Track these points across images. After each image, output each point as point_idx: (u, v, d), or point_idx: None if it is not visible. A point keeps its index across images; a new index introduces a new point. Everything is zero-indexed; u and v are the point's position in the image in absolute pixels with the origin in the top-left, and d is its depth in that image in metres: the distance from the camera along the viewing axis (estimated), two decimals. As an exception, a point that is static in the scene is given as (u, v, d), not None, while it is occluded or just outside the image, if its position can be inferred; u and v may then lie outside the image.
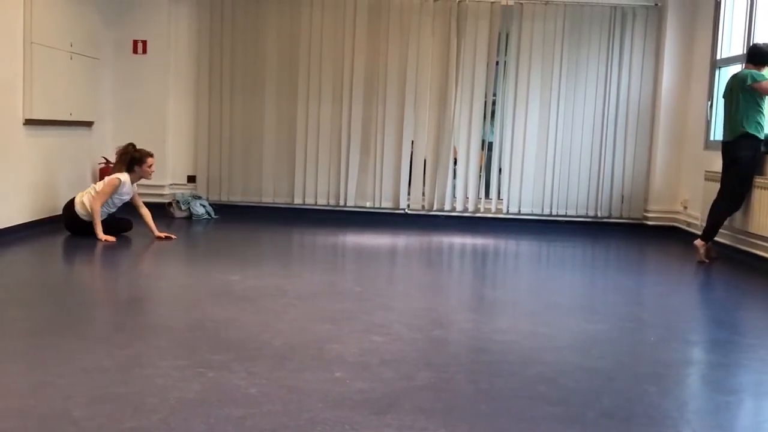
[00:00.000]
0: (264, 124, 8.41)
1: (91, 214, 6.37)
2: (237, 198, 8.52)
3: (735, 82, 6.29)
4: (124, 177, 6.51)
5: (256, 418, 2.71)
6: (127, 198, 6.61)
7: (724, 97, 6.47)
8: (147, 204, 6.84)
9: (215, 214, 8.17)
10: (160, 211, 7.66)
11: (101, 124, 8.02)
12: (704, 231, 6.48)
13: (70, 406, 2.76)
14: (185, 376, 3.12)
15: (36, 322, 3.96)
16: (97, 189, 6.44)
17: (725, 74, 7.31)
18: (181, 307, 4.51)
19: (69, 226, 6.56)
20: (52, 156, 7.04)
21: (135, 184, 6.67)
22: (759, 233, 6.18)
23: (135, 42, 8.26)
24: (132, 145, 6.63)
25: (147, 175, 6.69)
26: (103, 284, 5.26)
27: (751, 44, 6.47)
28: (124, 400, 2.82)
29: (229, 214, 8.26)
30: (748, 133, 6.12)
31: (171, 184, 8.45)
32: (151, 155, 6.68)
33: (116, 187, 6.45)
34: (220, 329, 3.84)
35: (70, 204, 6.52)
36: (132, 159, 6.56)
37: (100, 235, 6.30)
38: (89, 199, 6.42)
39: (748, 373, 3.64)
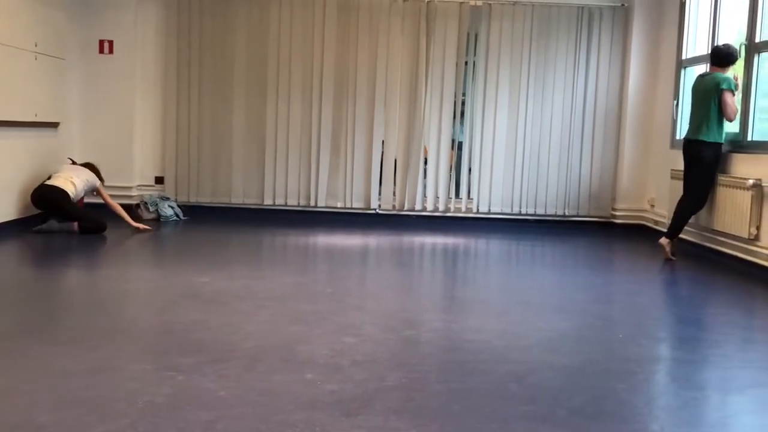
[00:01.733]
0: (233, 124, 8.36)
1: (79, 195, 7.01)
2: (206, 199, 8.45)
3: (706, 83, 6.29)
4: None
5: (227, 421, 2.69)
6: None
7: (692, 96, 6.52)
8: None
9: (184, 216, 8.10)
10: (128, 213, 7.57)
11: (67, 124, 7.91)
12: (669, 228, 6.57)
13: (36, 412, 2.72)
14: (154, 379, 3.09)
15: (2, 326, 3.89)
16: (100, 185, 7.30)
17: (691, 74, 7.41)
18: (151, 309, 4.47)
19: (54, 206, 6.74)
20: (17, 157, 6.93)
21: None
22: (723, 230, 6.28)
23: (101, 42, 8.16)
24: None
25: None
26: (72, 286, 5.18)
27: (714, 46, 6.51)
28: (92, 405, 2.79)
29: (198, 215, 8.19)
30: (711, 135, 6.21)
31: (138, 186, 8.37)
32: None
33: None
34: (189, 332, 3.81)
35: (53, 188, 6.74)
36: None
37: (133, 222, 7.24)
38: (83, 183, 7.06)
39: (713, 369, 3.70)
